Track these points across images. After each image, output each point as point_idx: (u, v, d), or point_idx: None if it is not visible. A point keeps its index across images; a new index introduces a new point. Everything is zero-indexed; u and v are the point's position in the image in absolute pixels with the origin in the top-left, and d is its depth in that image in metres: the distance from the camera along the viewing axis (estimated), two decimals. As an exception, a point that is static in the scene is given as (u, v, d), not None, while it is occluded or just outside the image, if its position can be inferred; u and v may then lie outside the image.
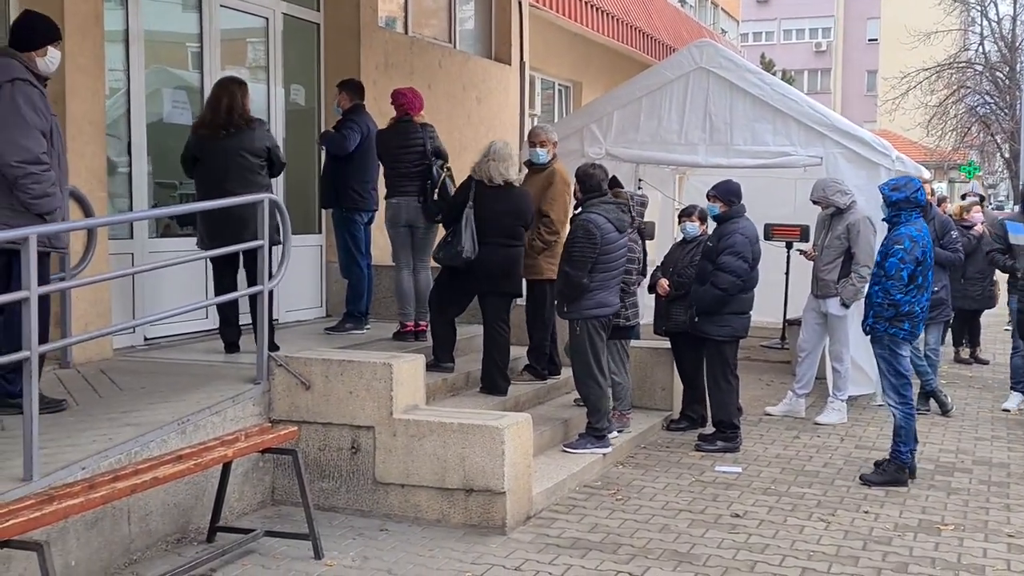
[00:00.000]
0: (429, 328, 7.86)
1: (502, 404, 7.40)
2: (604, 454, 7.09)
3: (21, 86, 5.22)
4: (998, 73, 36.07)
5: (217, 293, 7.01)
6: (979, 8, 37.08)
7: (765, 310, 12.09)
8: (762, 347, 12.19)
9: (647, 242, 10.30)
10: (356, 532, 5.75)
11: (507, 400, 7.51)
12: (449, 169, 7.93)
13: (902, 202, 6.91)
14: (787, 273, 11.95)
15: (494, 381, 7.50)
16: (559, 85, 17.26)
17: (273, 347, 6.90)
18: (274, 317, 7.57)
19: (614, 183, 8.49)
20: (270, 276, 6.22)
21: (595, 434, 7.09)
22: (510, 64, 12.64)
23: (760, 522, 6.08)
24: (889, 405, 7.04)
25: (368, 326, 8.60)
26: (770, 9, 57.83)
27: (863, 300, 8.47)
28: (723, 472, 7.18)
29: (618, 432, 7.60)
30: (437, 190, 7.76)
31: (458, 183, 7.77)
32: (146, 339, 7.63)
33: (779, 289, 12.00)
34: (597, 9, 15.98)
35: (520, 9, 12.66)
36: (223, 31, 8.41)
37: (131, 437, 5.11)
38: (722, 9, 42.90)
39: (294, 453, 5.38)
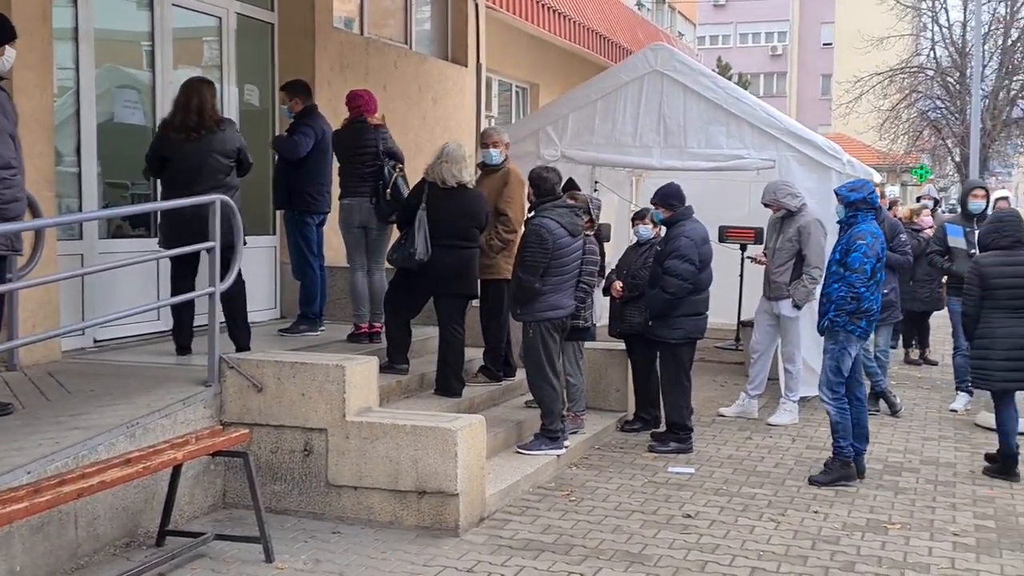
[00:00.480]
0: (383, 330, 7.84)
1: (456, 406, 7.40)
2: (558, 455, 7.11)
3: None
4: (949, 78, 36.62)
5: (173, 295, 6.94)
6: (930, 14, 37.62)
7: (719, 311, 12.12)
8: (716, 348, 12.30)
9: (604, 243, 10.45)
10: (308, 535, 5.73)
11: (461, 402, 7.50)
12: (402, 170, 7.92)
13: (859, 203, 7.04)
14: (741, 275, 12.08)
15: (448, 383, 7.49)
16: (516, 87, 17.28)
17: (242, 347, 6.91)
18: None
19: (571, 186, 8.57)
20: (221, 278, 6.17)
21: (549, 435, 7.12)
22: (466, 66, 12.63)
23: (711, 522, 6.13)
24: (823, 401, 7.17)
25: (323, 328, 8.55)
26: (727, 13, 58.32)
27: (815, 302, 8.63)
28: (676, 473, 7.23)
29: (572, 433, 7.63)
30: (389, 190, 7.74)
31: (412, 184, 7.78)
32: (96, 341, 7.53)
33: (733, 291, 12.12)
34: (554, 11, 16.01)
35: (476, 11, 12.66)
36: (175, 30, 8.33)
37: (79, 440, 5.05)
38: (679, 12, 43.21)
39: (245, 456, 5.34)
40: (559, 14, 16.14)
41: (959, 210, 9.72)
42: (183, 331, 7.14)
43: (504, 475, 6.66)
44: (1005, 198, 11.66)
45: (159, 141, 6.96)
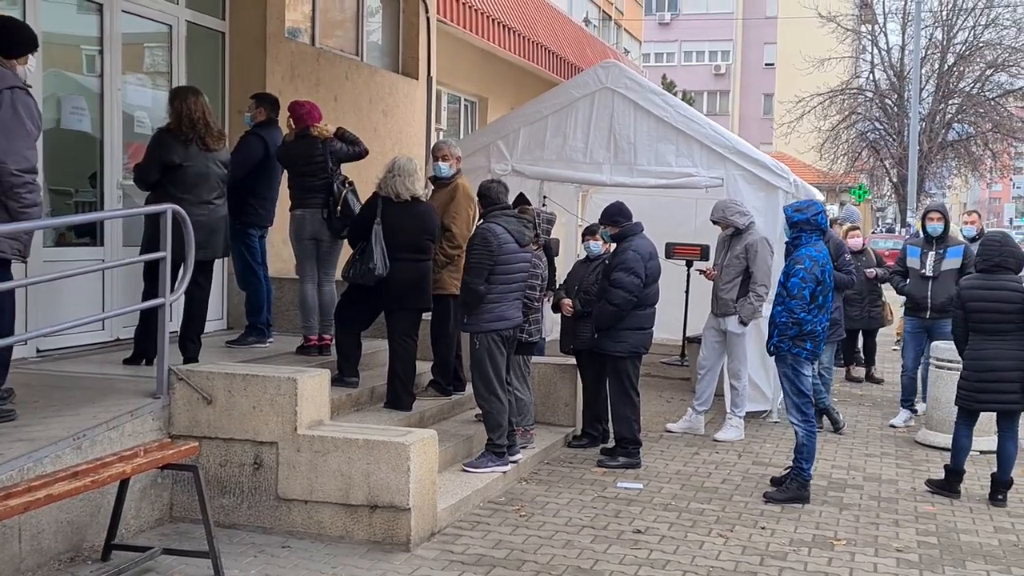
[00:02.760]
0: (334, 342, 7.79)
1: (406, 420, 7.38)
2: (504, 472, 7.11)
3: (20, 95, 5.27)
4: (887, 100, 37.44)
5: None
6: (870, 37, 38.45)
7: (665, 327, 12.30)
8: (662, 364, 12.40)
9: (553, 259, 10.48)
10: (257, 549, 5.66)
11: (411, 416, 7.48)
12: (351, 184, 7.89)
13: (803, 223, 7.12)
14: (687, 291, 12.21)
15: (399, 397, 7.46)
16: (465, 100, 17.32)
17: (191, 359, 6.80)
18: (174, 330, 7.39)
19: (522, 200, 8.60)
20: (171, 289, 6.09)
21: (495, 450, 7.11)
22: (417, 78, 12.61)
23: (661, 538, 6.17)
24: (792, 423, 7.22)
25: (271, 339, 8.48)
26: (671, 31, 58.99)
27: (762, 319, 8.76)
28: (625, 488, 7.27)
29: (522, 448, 7.64)
30: (339, 207, 7.70)
31: (363, 196, 7.76)
32: (39, 351, 7.38)
33: (679, 307, 12.24)
34: (503, 26, 16.08)
35: (428, 24, 12.67)
36: (124, 36, 8.21)
37: (23, 453, 4.95)
38: (625, 30, 43.63)
39: (195, 469, 5.27)
40: (508, 29, 16.22)
41: (921, 232, 9.88)
42: (149, 338, 6.98)
43: (455, 490, 6.64)
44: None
45: (173, 148, 6.69)
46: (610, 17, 41.87)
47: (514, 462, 7.34)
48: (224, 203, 7.00)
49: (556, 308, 8.56)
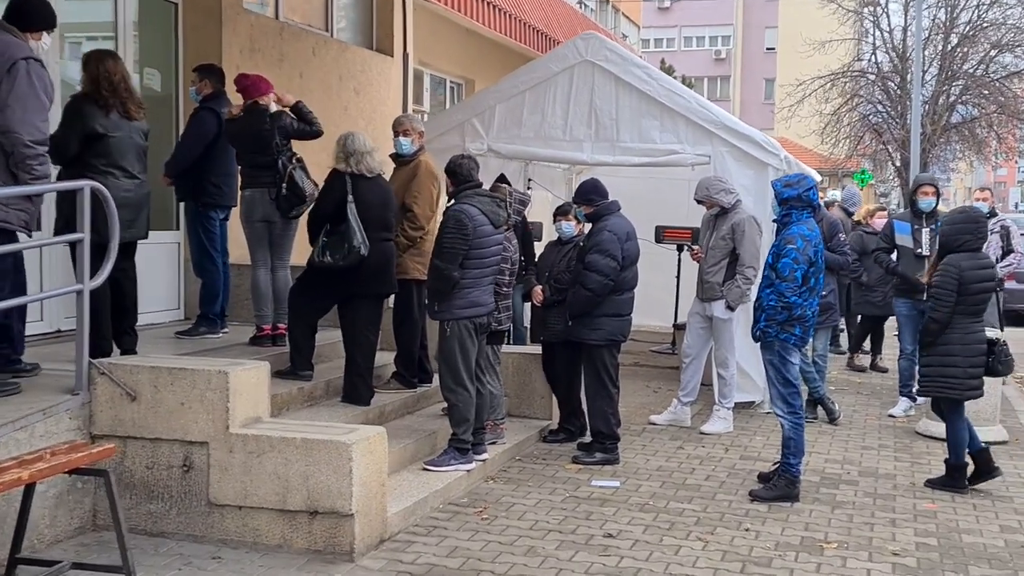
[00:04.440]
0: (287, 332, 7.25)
1: (364, 415, 6.86)
2: (468, 470, 6.57)
3: (35, 66, 5.34)
4: (890, 83, 36.76)
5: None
6: (872, 19, 37.74)
7: (654, 314, 11.81)
8: (651, 352, 11.88)
9: (535, 243, 9.94)
10: (184, 560, 5.13)
11: (370, 410, 6.96)
12: (300, 161, 7.33)
13: (793, 200, 6.55)
14: (678, 276, 11.66)
15: (357, 390, 6.94)
16: (451, 82, 16.74)
17: (128, 351, 6.27)
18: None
19: (501, 180, 8.05)
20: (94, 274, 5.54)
21: (459, 446, 6.57)
22: (392, 55, 12.05)
23: (634, 542, 5.63)
24: (777, 415, 6.67)
25: (226, 329, 7.96)
26: (671, 16, 58.23)
27: (750, 304, 8.20)
28: (600, 487, 6.73)
29: (491, 443, 7.11)
30: (285, 184, 7.15)
31: (311, 174, 7.26)
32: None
33: (669, 292, 11.71)
34: (489, 3, 15.49)
35: (403, -2, 12.11)
36: (64, 6, 7.65)
37: (-91, 458, 4.42)
38: (623, 14, 42.97)
39: (105, 474, 4.73)
40: (494, 6, 15.62)
41: (909, 208, 9.34)
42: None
43: (411, 491, 6.11)
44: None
45: (95, 116, 5.99)
46: (607, 1, 41.27)
47: (481, 460, 6.80)
48: (147, 178, 6.42)
49: (527, 296, 8.02)
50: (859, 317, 11.96)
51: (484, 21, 15.37)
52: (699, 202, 8.48)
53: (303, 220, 7.33)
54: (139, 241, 6.48)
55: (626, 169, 9.93)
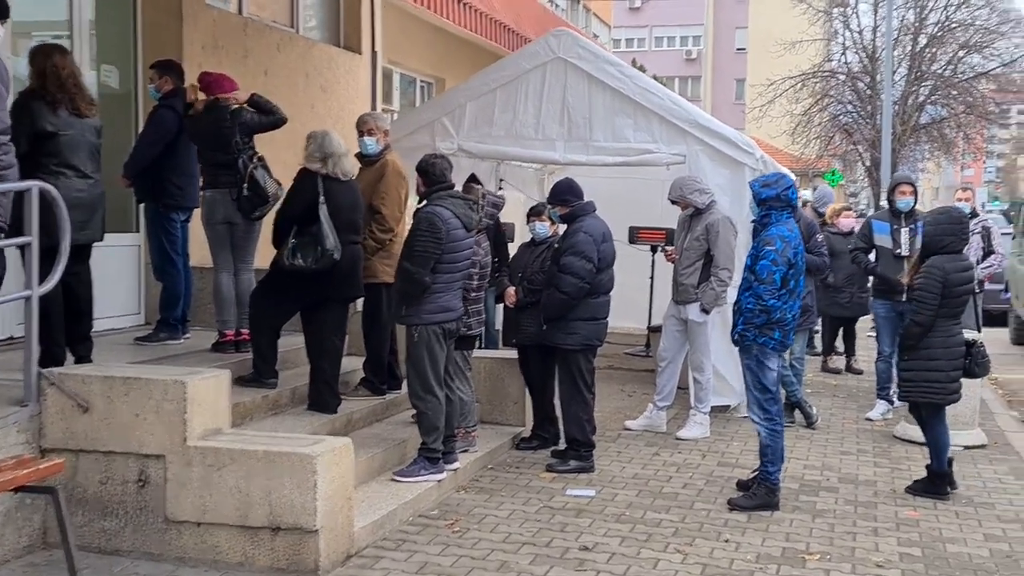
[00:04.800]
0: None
1: (331, 423, 6.64)
2: (439, 480, 6.35)
3: None
4: (860, 83, 36.87)
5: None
6: (841, 19, 37.83)
7: (629, 316, 11.61)
8: (626, 355, 11.70)
9: (508, 244, 9.73)
10: (140, 581, 4.89)
11: (337, 419, 6.73)
12: (262, 160, 7.08)
13: (772, 200, 6.37)
14: (652, 278, 11.49)
15: (323, 398, 6.70)
16: (421, 81, 16.50)
17: (82, 359, 6.01)
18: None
19: (472, 180, 7.84)
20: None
21: (429, 456, 6.34)
22: (360, 53, 11.79)
23: (611, 556, 5.43)
24: (754, 422, 6.49)
25: (187, 335, 7.69)
26: (642, 16, 58.20)
27: (726, 306, 8.03)
28: (575, 496, 6.52)
29: (463, 451, 6.90)
30: (246, 184, 6.90)
31: (286, 173, 7.00)
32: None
33: (643, 294, 11.53)
34: (459, 1, 15.26)
35: (371, -7, 11.85)
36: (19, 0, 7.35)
37: None
38: (594, 14, 42.89)
39: (54, 492, 4.49)
40: (464, 4, 15.40)
41: (886, 206, 9.23)
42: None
43: (380, 503, 5.88)
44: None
45: (44, 114, 5.76)
46: (578, 1, 41.12)
47: (452, 469, 6.58)
48: (102, 178, 6.16)
49: (500, 298, 7.81)
50: (824, 318, 11.82)
51: (454, 19, 15.15)
52: (673, 202, 8.31)
53: (267, 221, 7.08)
54: (95, 244, 6.23)
55: (600, 169, 9.72)
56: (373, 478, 6.31)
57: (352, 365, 7.56)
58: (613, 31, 49.18)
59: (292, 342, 7.20)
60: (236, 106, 7.10)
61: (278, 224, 6.64)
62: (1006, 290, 15.37)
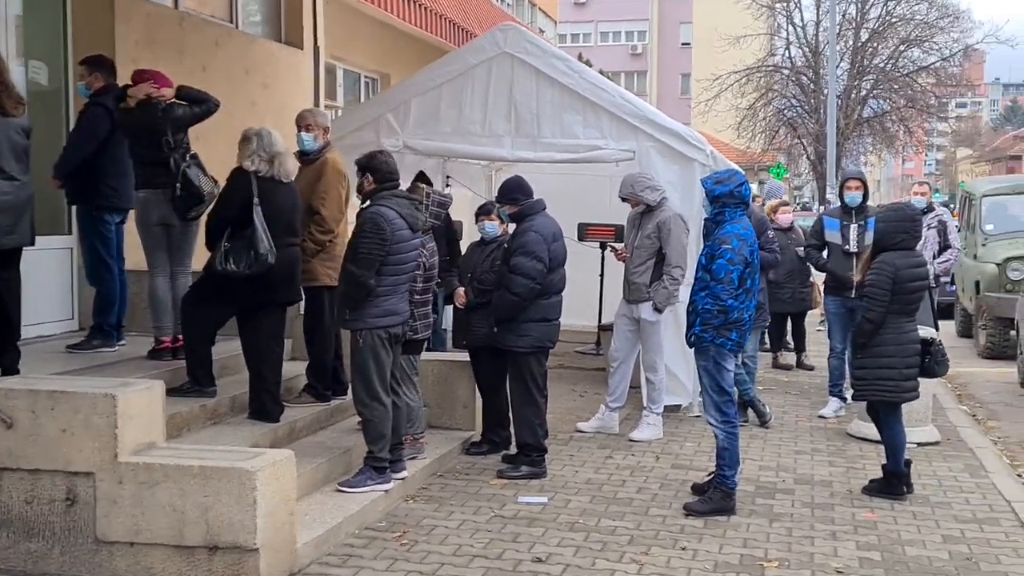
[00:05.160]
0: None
1: (273, 432, 6.40)
2: (387, 490, 6.13)
3: None
4: (803, 77, 37.18)
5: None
6: (785, 14, 38.12)
7: (579, 313, 11.43)
8: (577, 353, 11.55)
9: (459, 243, 9.52)
10: (69, 607, 4.62)
11: (280, 427, 6.49)
12: (195, 157, 6.81)
13: (725, 196, 6.23)
14: (602, 275, 11.35)
15: (264, 406, 6.46)
16: (365, 77, 16.20)
17: (9, 370, 5.70)
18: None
19: (421, 179, 7.64)
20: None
21: (375, 465, 6.12)
22: (302, 48, 11.50)
23: (565, 567, 5.26)
24: (711, 424, 6.35)
25: (122, 342, 7.39)
26: (587, 11, 58.22)
27: (679, 305, 7.91)
28: (527, 504, 6.34)
29: (411, 459, 6.69)
30: (179, 184, 6.62)
31: (223, 173, 6.72)
32: None
33: (594, 291, 11.39)
34: (404, -4, 15.00)
35: (313, -13, 11.56)
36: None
37: None
38: (540, 9, 42.69)
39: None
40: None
41: (838, 203, 9.17)
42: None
43: (325, 516, 5.65)
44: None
45: None
46: (524, -5, 40.96)
47: (399, 478, 6.37)
48: (31, 180, 5.86)
49: (449, 299, 7.61)
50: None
51: (399, 14, 14.87)
52: (624, 200, 8.15)
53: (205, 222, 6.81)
54: (25, 248, 5.93)
55: (548, 165, 9.56)
56: (317, 489, 6.08)
57: (296, 370, 7.32)
58: (559, 26, 49.06)
59: (232, 347, 6.92)
60: (168, 102, 6.81)
61: (210, 226, 6.37)
62: (952, 283, 15.46)
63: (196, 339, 6.44)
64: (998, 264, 13.12)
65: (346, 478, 6.20)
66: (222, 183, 6.67)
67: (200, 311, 6.41)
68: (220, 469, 4.75)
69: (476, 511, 6.17)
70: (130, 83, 7.02)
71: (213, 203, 6.62)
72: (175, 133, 6.72)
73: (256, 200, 6.28)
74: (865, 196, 8.89)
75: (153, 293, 6.97)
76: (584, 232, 11.07)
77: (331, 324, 6.96)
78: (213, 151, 7.41)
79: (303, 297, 6.77)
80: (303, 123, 6.88)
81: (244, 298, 6.40)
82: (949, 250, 9.77)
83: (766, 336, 11.61)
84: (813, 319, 13.70)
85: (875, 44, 37.04)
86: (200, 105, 6.96)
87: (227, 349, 6.89)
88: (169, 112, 6.75)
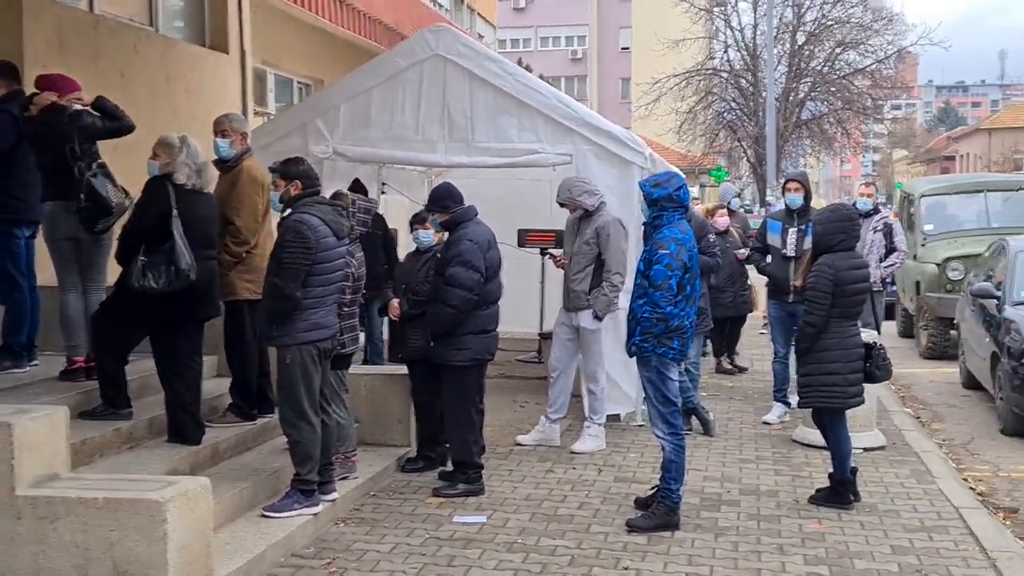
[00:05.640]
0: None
1: (194, 456, 6.06)
2: (315, 514, 5.81)
3: None
4: (742, 80, 37.35)
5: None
6: (723, 17, 38.26)
7: (520, 321, 11.20)
8: (517, 361, 11.31)
9: (394, 251, 9.24)
10: (-38, 655, 4.25)
11: (201, 450, 6.15)
12: (103, 167, 6.43)
13: (664, 200, 6.00)
14: (542, 282, 11.12)
15: (184, 428, 6.11)
16: (298, 82, 15.83)
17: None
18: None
19: (357, 187, 7.34)
20: None
21: (303, 488, 5.81)
22: (227, 53, 11.13)
23: (502, 593, 5.00)
24: (657, 437, 6.10)
25: (34, 362, 6.98)
26: (526, 16, 58.11)
27: (619, 312, 7.69)
28: (464, 523, 6.07)
29: (342, 479, 6.38)
30: (83, 195, 6.25)
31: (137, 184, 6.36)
32: None
33: (535, 298, 11.16)
34: (337, 0, 14.65)
35: (238, -10, 11.20)
36: None
37: None
38: (478, 14, 42.46)
39: None
40: (341, 2, 14.79)
41: (783, 206, 9.03)
42: None
43: (247, 545, 5.33)
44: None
45: None
46: (462, 1, 40.72)
47: (329, 500, 6.06)
48: None
49: (384, 310, 7.32)
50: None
51: (331, 18, 14.53)
52: (562, 205, 7.92)
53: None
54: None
55: (485, 170, 9.30)
56: (242, 515, 5.75)
57: (220, 388, 6.97)
58: (498, 31, 48.89)
59: (150, 366, 6.54)
60: (77, 108, 6.43)
61: (125, 239, 6.01)
62: (893, 283, 15.46)
63: (109, 358, 6.08)
64: (938, 264, 13.11)
65: (272, 502, 5.87)
66: (138, 195, 6.32)
67: (113, 329, 6.05)
68: (127, 501, 4.41)
69: (410, 533, 5.88)
70: (36, 90, 6.63)
71: (127, 215, 6.26)
72: (82, 142, 6.33)
73: (175, 211, 5.95)
74: (807, 198, 8.74)
75: (64, 311, 6.58)
76: (524, 238, 10.83)
77: (253, 340, 6.63)
78: (132, 161, 7.03)
79: (220, 313, 6.43)
80: (218, 128, 6.56)
81: (160, 315, 6.05)
82: (895, 253, 9.66)
83: (707, 341, 11.47)
84: (756, 322, 13.63)
85: (812, 47, 37.30)
86: (113, 121, 6.57)
87: (146, 368, 6.52)
88: (76, 119, 6.37)
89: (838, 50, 37.40)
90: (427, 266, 7.10)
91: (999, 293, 9.60)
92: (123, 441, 5.99)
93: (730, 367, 11.56)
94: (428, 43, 8.83)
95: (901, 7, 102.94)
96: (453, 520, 6.12)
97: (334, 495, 6.13)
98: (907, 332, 14.96)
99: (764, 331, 12.87)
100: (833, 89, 37.53)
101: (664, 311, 5.84)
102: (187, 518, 4.52)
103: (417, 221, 7.28)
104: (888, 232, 9.64)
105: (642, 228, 6.45)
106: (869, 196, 9.77)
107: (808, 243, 8.29)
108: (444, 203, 6.78)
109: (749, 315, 12.01)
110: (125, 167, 6.88)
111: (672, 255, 5.84)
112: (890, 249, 9.60)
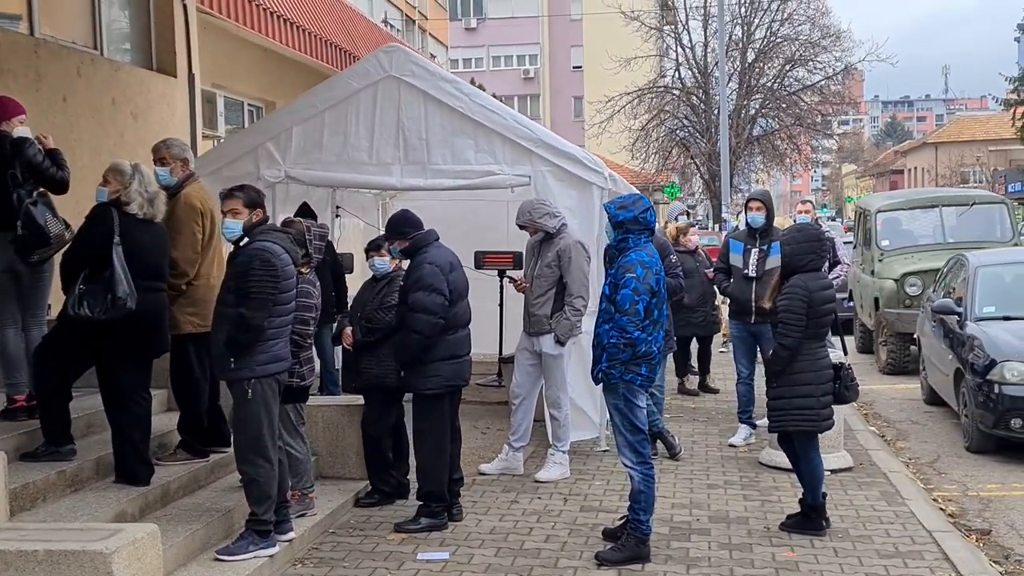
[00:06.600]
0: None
1: (144, 497, 5.81)
2: (271, 555, 5.56)
3: None
4: (694, 97, 37.57)
5: None
6: (673, 36, 38.48)
7: (480, 343, 10.95)
8: (478, 385, 11.07)
9: (346, 276, 9.02)
10: None
11: (151, 491, 5.89)
12: (43, 195, 6.16)
13: (630, 222, 5.84)
14: (501, 304, 10.92)
15: (132, 468, 5.86)
16: (249, 105, 15.55)
17: None
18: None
19: (305, 211, 7.10)
20: None
21: (258, 528, 5.56)
22: (175, 76, 10.85)
23: (469, 636, 4.78)
24: (626, 466, 5.92)
25: (-26, 401, 6.67)
26: (478, 36, 58.12)
27: (582, 337, 7.54)
28: (427, 560, 5.85)
29: (299, 516, 6.14)
30: (20, 222, 5.97)
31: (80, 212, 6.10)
32: None
33: (494, 321, 10.96)
34: (287, 22, 14.41)
35: (185, 12, 10.91)
36: None
37: None
38: (430, 34, 42.42)
39: None
40: (291, 24, 14.55)
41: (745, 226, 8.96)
42: None
43: (201, 591, 5.07)
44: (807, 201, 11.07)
45: None
46: (414, 21, 40.59)
47: (286, 540, 5.80)
48: None
49: (337, 339, 7.10)
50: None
51: (282, 40, 14.27)
52: (522, 227, 7.75)
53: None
54: None
55: (442, 192, 9.11)
56: (195, 558, 5.50)
57: (170, 424, 6.70)
58: (450, 51, 48.90)
59: (96, 403, 6.28)
60: (22, 135, 6.14)
61: (65, 265, 5.75)
62: (850, 299, 15.48)
63: (49, 394, 5.81)
64: (896, 280, 13.10)
65: (226, 544, 5.61)
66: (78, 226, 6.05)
67: (53, 362, 5.79)
68: (69, 553, 4.16)
69: (372, 573, 5.66)
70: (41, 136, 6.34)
71: (67, 246, 5.99)
72: (23, 169, 6.04)
73: (117, 239, 5.71)
74: (769, 218, 8.64)
75: (3, 347, 6.29)
76: (481, 260, 10.61)
77: (201, 374, 6.37)
78: (77, 189, 6.74)
79: (169, 348, 6.17)
80: (156, 156, 6.36)
81: (103, 347, 5.79)
82: (839, 266, 9.69)
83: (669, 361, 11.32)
84: (717, 341, 13.53)
85: (762, 64, 37.66)
86: (52, 168, 6.24)
87: (92, 405, 6.28)
88: (20, 146, 6.07)
89: (787, 67, 37.78)
90: (382, 294, 6.89)
91: (960, 309, 9.57)
92: (67, 484, 5.70)
93: (693, 389, 11.43)
94: (381, 64, 8.64)
95: (848, 23, 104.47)
96: (416, 558, 5.90)
97: (291, 534, 5.88)
98: (866, 348, 14.95)
99: (724, 349, 12.79)
100: (783, 105, 37.87)
101: (631, 336, 5.67)
102: (134, 568, 4.28)
103: (372, 248, 7.05)
104: (831, 247, 9.60)
105: (605, 251, 6.28)
106: (807, 212, 9.85)
107: (770, 263, 8.21)
108: (402, 230, 6.57)
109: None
110: (67, 197, 6.58)
111: (639, 279, 5.68)
112: (833, 262, 9.57)
